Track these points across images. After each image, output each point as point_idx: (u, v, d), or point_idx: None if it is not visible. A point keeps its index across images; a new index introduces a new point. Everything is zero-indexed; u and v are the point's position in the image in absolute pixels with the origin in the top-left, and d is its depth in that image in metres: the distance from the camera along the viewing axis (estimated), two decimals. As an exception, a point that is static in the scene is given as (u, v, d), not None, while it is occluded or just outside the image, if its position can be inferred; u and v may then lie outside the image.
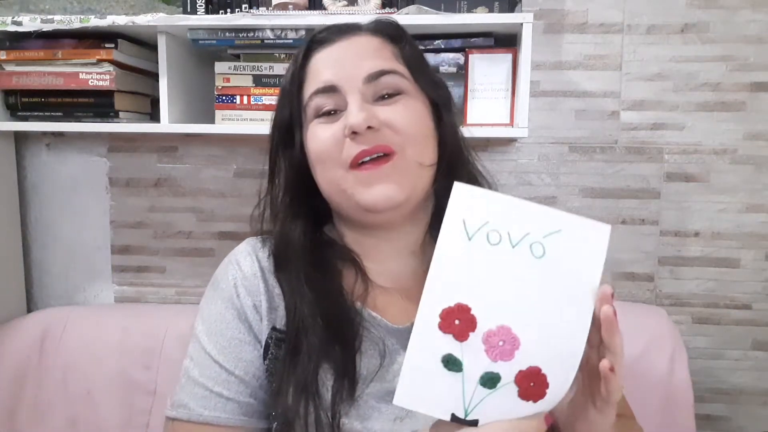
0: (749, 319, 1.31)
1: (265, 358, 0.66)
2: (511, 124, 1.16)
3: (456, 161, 0.69)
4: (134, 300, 1.45)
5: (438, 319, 0.51)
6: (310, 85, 0.66)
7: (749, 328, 1.31)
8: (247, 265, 0.68)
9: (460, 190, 0.52)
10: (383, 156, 0.62)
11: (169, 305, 1.42)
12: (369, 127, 0.61)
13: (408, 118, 0.64)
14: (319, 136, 0.64)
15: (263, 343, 0.66)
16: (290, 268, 0.67)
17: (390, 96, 0.65)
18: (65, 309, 1.33)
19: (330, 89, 0.64)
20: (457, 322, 0.50)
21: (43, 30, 1.15)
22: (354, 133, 0.62)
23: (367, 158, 0.62)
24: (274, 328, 0.66)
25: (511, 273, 0.50)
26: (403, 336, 0.65)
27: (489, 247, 0.51)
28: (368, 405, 0.62)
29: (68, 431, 1.23)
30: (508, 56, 1.15)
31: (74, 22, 1.14)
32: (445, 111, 0.70)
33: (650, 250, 1.31)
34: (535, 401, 0.49)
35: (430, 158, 0.66)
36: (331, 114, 0.65)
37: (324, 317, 0.63)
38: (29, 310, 1.43)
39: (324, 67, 0.66)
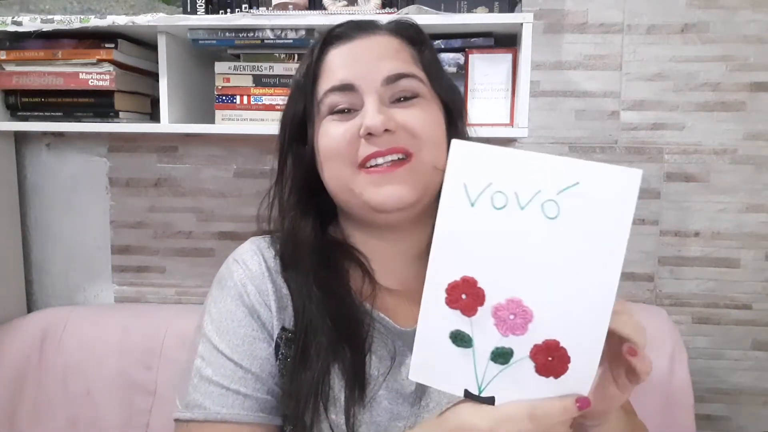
0: (749, 319, 1.31)
1: (276, 359, 0.65)
2: (511, 124, 1.16)
3: None
4: (134, 300, 1.45)
5: (444, 294, 0.48)
6: (326, 82, 0.65)
7: (749, 328, 1.31)
8: (254, 264, 0.67)
9: (458, 148, 0.47)
10: (400, 159, 0.62)
11: (169, 305, 1.42)
12: (385, 130, 0.61)
13: (424, 121, 0.63)
14: (331, 133, 0.64)
15: (274, 342, 0.65)
16: (298, 268, 0.66)
17: (407, 99, 0.64)
18: (65, 309, 1.33)
19: (347, 88, 0.63)
20: (463, 296, 0.47)
21: (43, 30, 1.15)
22: (370, 134, 0.61)
23: (380, 160, 0.62)
24: (283, 328, 0.65)
25: (521, 239, 0.45)
26: (410, 339, 0.65)
27: (494, 212, 0.46)
28: (381, 407, 0.62)
29: (68, 431, 1.23)
30: (508, 56, 1.15)
31: (74, 22, 1.14)
32: (458, 116, 0.70)
33: (650, 250, 1.31)
34: (556, 377, 0.46)
35: (443, 162, 0.65)
36: (346, 112, 0.64)
37: (333, 317, 0.63)
38: (29, 310, 1.43)
39: (341, 64, 0.65)
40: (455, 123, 0.69)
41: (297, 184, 0.69)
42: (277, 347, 0.65)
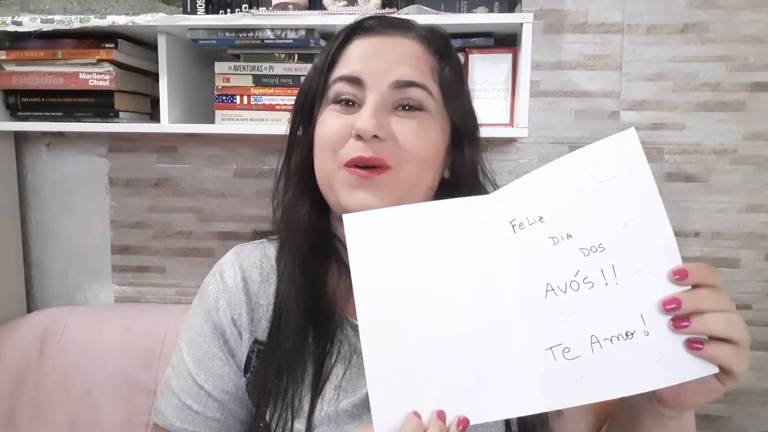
0: (749, 319, 1.31)
1: (246, 372, 0.66)
2: (511, 124, 1.16)
3: (470, 192, 0.68)
4: (134, 300, 1.45)
5: None
6: (340, 69, 0.65)
7: (749, 328, 1.31)
8: (229, 277, 0.67)
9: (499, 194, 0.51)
10: (378, 167, 0.61)
11: (169, 305, 1.42)
12: (375, 136, 0.60)
13: (418, 137, 0.62)
14: (328, 124, 0.63)
15: (245, 357, 0.66)
16: (290, 249, 0.67)
17: (410, 108, 0.63)
18: (65, 309, 1.33)
19: (355, 81, 0.63)
20: None
21: (43, 30, 1.15)
22: (359, 136, 0.61)
23: (362, 165, 0.61)
24: (256, 341, 0.65)
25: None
26: None
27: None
28: (348, 413, 0.61)
29: (68, 431, 1.23)
30: (508, 56, 1.15)
31: (74, 22, 1.14)
32: (467, 142, 0.68)
33: (650, 250, 1.31)
34: None
35: (427, 182, 0.64)
36: (349, 104, 0.63)
37: (307, 311, 0.63)
38: (29, 310, 1.43)
39: (358, 56, 0.64)
40: (462, 147, 0.67)
41: (300, 165, 0.68)
42: (248, 360, 0.65)
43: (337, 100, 0.64)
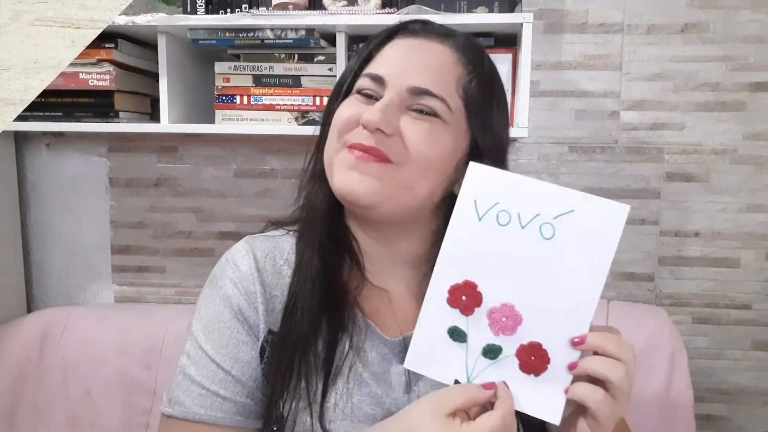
0: (749, 319, 1.31)
1: (261, 361, 0.65)
2: (511, 124, 1.16)
3: None
4: (134, 300, 1.45)
5: (447, 295, 0.54)
6: (371, 67, 0.66)
7: (749, 328, 1.31)
8: (245, 265, 0.67)
9: (474, 170, 0.55)
10: (381, 159, 0.61)
11: (169, 305, 1.42)
12: (379, 129, 0.60)
13: (425, 140, 0.62)
14: (343, 110, 0.65)
15: (260, 345, 0.65)
16: (308, 235, 0.67)
17: (426, 113, 0.63)
18: (65, 309, 1.33)
19: (378, 79, 0.64)
20: (464, 297, 0.54)
21: (43, 30, 1.15)
22: (365, 127, 0.61)
23: (358, 153, 0.62)
24: (270, 332, 0.65)
25: (518, 253, 0.53)
26: (395, 348, 0.65)
27: (498, 228, 0.53)
28: (362, 412, 0.62)
29: (68, 431, 1.23)
30: (508, 56, 1.15)
31: (74, 22, 1.14)
32: (490, 161, 0.64)
33: (650, 250, 1.31)
34: (537, 375, 0.52)
35: (426, 189, 0.63)
36: (369, 97, 0.65)
37: (322, 295, 0.64)
38: (29, 310, 1.43)
39: (389, 58, 0.66)
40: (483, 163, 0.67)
41: (321, 154, 0.69)
42: (262, 350, 0.65)
43: (360, 92, 0.65)
